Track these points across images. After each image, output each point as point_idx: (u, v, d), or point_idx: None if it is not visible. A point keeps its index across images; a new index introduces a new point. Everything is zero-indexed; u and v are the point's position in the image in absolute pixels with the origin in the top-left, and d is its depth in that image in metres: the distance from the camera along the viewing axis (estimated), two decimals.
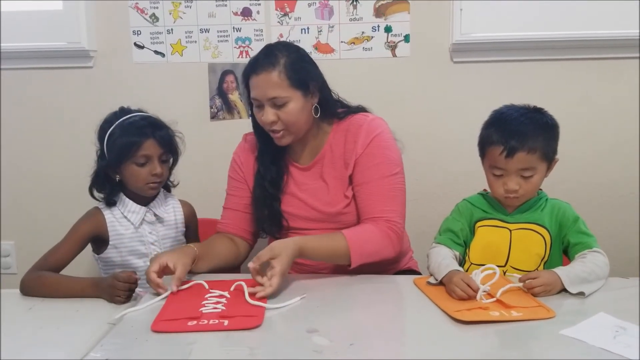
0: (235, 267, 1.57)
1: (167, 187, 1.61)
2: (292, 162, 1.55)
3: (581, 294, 1.19)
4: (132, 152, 1.44)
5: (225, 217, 1.58)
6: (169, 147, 1.51)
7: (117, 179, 1.50)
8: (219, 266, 1.46)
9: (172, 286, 1.26)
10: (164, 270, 1.30)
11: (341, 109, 1.52)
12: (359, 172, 1.45)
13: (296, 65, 1.40)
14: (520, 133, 1.30)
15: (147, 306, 1.20)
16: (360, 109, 1.54)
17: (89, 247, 1.52)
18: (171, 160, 1.54)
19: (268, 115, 1.40)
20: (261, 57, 1.41)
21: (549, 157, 1.34)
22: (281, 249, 1.27)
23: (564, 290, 1.20)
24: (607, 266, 1.28)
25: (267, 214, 1.52)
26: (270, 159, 1.53)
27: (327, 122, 1.51)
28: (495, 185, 1.36)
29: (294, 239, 1.33)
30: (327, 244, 1.37)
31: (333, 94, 1.52)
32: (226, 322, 1.09)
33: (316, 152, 1.52)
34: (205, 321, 1.09)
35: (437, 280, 1.27)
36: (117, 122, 1.46)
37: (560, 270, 1.23)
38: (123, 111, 1.51)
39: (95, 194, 1.52)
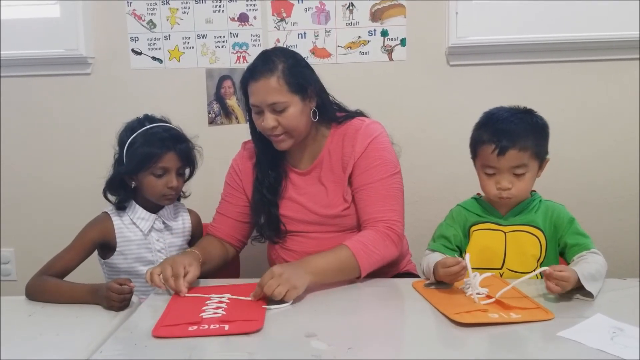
0: (228, 270, 1.62)
1: (178, 197, 1.61)
2: (290, 167, 1.55)
3: (590, 295, 1.18)
4: (151, 163, 1.44)
5: (217, 222, 1.60)
6: (188, 161, 1.51)
7: (133, 185, 1.50)
8: (212, 270, 1.48)
9: (183, 289, 1.27)
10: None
11: (340, 113, 1.53)
12: (357, 176, 1.46)
13: (294, 70, 1.41)
14: (511, 131, 1.31)
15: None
16: (358, 114, 1.55)
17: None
18: (187, 172, 1.55)
19: (268, 121, 1.41)
20: (259, 64, 1.42)
21: (540, 156, 1.35)
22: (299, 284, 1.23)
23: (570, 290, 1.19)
24: (606, 266, 1.28)
25: (265, 220, 1.53)
26: (269, 165, 1.54)
27: (325, 126, 1.53)
28: (488, 185, 1.36)
29: (305, 269, 1.27)
30: (334, 260, 1.33)
31: (330, 98, 1.53)
32: (227, 327, 1.09)
33: (314, 157, 1.53)
34: (206, 326, 1.10)
35: (434, 281, 1.28)
36: (139, 131, 1.46)
37: (576, 267, 1.21)
38: (147, 119, 1.51)
39: (109, 196, 1.52)
